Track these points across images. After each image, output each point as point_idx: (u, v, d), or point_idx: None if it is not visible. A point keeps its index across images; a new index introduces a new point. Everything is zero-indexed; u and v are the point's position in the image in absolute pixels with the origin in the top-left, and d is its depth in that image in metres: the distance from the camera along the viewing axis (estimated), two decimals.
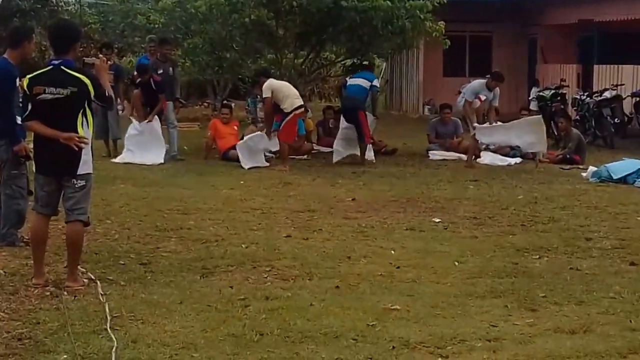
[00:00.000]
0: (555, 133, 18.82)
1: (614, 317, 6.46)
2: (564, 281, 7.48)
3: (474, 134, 15.47)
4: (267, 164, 15.02)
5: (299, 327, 6.09)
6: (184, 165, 15.04)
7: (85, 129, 7.01)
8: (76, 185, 7.01)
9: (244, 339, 5.87)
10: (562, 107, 20.75)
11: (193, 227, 9.56)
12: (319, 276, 7.58)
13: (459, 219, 10.35)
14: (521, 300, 6.88)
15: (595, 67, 23.43)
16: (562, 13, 25.25)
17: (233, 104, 19.14)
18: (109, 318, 6.18)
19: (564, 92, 22.09)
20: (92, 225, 8.16)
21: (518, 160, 16.35)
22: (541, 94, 22.54)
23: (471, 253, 8.53)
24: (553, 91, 21.98)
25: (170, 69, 16.22)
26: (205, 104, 29.05)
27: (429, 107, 27.46)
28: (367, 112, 16.10)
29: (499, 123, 15.88)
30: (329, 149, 16.84)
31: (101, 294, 6.81)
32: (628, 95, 20.56)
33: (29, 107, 6.99)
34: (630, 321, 6.33)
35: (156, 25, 19.52)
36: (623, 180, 13.36)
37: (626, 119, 20.46)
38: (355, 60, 19.26)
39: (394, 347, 5.74)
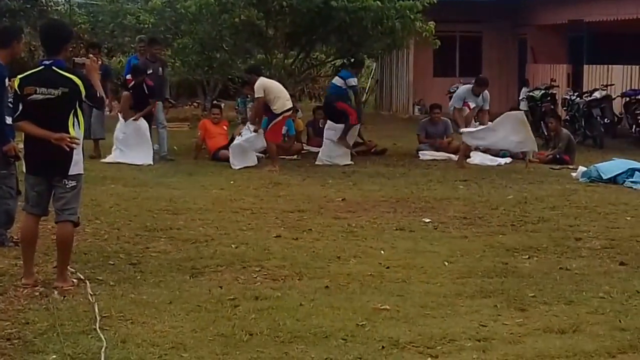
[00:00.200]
0: (545, 133, 18.85)
1: (603, 316, 6.47)
2: (553, 281, 7.49)
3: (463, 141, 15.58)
4: (257, 163, 15.00)
5: (289, 327, 6.09)
6: (173, 165, 15.01)
7: (77, 130, 7.00)
8: (67, 186, 7.00)
9: (234, 339, 5.86)
10: (552, 107, 20.76)
11: (183, 227, 9.55)
12: (309, 276, 7.58)
13: (449, 219, 10.36)
14: (511, 300, 6.89)
15: (585, 67, 23.48)
16: (552, 13, 25.30)
17: (223, 104, 19.14)
18: (98, 318, 6.17)
19: (554, 92, 22.13)
20: (82, 226, 8.14)
21: (508, 160, 16.37)
22: (531, 94, 22.58)
23: (461, 253, 8.54)
24: (543, 91, 22.03)
25: (160, 69, 16.19)
26: (195, 104, 29.02)
27: (419, 107, 27.47)
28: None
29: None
30: (319, 149, 16.83)
31: (90, 294, 6.80)
32: (618, 96, 20.58)
33: (20, 107, 6.98)
34: (620, 321, 6.35)
35: (146, 26, 19.50)
36: (613, 180, 13.39)
37: (616, 119, 20.48)
38: (345, 61, 19.23)
39: (383, 347, 5.74)
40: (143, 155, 14.94)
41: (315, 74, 23.93)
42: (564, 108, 21.43)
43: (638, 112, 19.44)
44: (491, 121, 15.96)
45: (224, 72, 20.07)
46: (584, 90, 21.67)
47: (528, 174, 14.59)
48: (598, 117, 19.51)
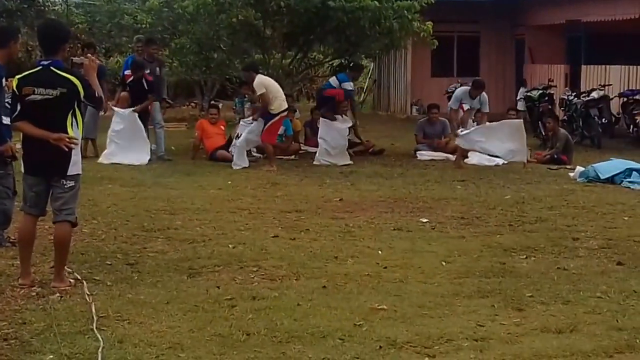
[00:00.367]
0: (543, 133, 18.87)
1: (601, 316, 6.48)
2: (550, 281, 7.50)
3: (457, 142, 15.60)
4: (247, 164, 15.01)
5: (286, 327, 6.09)
6: (171, 165, 15.00)
7: (75, 130, 7.00)
8: (65, 186, 7.00)
9: (231, 339, 5.86)
10: (549, 107, 20.80)
11: (180, 228, 9.55)
12: (306, 276, 7.57)
13: (447, 219, 10.36)
14: (508, 300, 6.89)
15: (583, 67, 23.48)
16: (549, 13, 25.30)
17: (220, 104, 19.17)
18: (95, 318, 6.17)
19: (552, 92, 22.14)
20: (79, 226, 8.13)
21: (506, 160, 16.37)
22: (529, 94, 22.60)
23: (458, 253, 8.54)
24: (541, 91, 22.03)
25: (157, 69, 16.19)
26: (193, 104, 29.00)
27: (416, 107, 27.46)
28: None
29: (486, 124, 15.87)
30: (316, 149, 16.83)
31: (87, 294, 6.79)
32: (615, 96, 20.60)
33: (18, 107, 6.97)
34: (617, 320, 6.36)
35: (143, 26, 19.44)
36: (610, 180, 13.40)
37: (613, 119, 20.51)
38: (342, 61, 19.24)
39: (380, 347, 5.74)
40: (139, 154, 14.89)
41: (313, 74, 23.95)
42: (562, 108, 21.44)
43: (635, 112, 19.45)
44: (489, 122, 16.01)
45: (222, 72, 20.06)
46: (582, 90, 21.68)
47: (526, 174, 14.60)
48: (596, 117, 19.53)
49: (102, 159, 14.93)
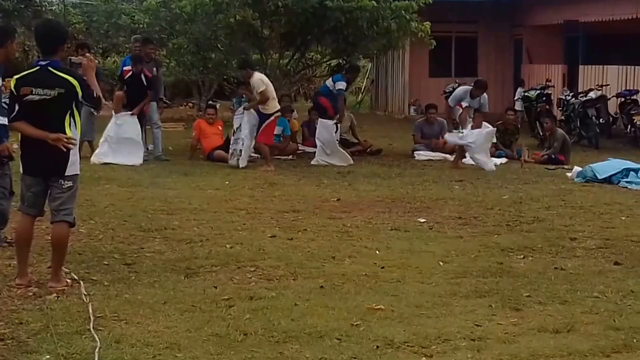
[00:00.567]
0: (541, 133, 18.88)
1: (598, 316, 6.48)
2: (548, 281, 7.50)
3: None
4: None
5: (283, 327, 6.08)
6: (168, 165, 14.98)
7: (73, 130, 6.99)
8: (63, 186, 6.99)
9: (228, 339, 5.86)
10: (547, 107, 20.80)
11: (177, 228, 9.54)
12: (304, 276, 7.57)
13: (444, 219, 10.36)
14: (505, 299, 6.89)
15: (581, 67, 23.49)
16: (547, 13, 25.31)
17: (218, 105, 19.12)
18: (92, 318, 6.15)
19: (549, 92, 22.15)
20: (76, 226, 8.11)
21: (503, 160, 16.41)
22: (526, 94, 22.62)
23: (456, 253, 8.54)
24: (538, 91, 22.05)
25: (155, 69, 16.14)
26: (190, 104, 28.98)
27: (414, 107, 27.46)
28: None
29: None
30: (314, 150, 16.83)
31: (84, 294, 6.78)
32: (613, 96, 20.62)
33: (16, 108, 6.96)
34: (614, 320, 6.36)
35: (141, 26, 19.50)
36: (608, 180, 13.41)
37: (611, 119, 20.53)
38: (340, 61, 19.25)
39: (378, 347, 5.73)
40: (133, 156, 14.82)
41: (310, 74, 23.99)
42: (559, 108, 21.46)
43: (633, 112, 19.47)
44: (487, 122, 16.01)
45: (219, 72, 20.09)
46: (580, 90, 21.69)
47: (523, 174, 14.61)
48: (593, 117, 19.55)
49: (94, 159, 14.81)
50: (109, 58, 30.08)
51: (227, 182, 13.09)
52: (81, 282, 7.13)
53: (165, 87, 21.30)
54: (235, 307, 6.56)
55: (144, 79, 15.28)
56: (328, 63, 20.38)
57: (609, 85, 21.14)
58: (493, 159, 16.17)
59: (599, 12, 22.63)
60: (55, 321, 6.12)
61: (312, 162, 15.69)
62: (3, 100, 7.81)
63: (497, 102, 23.97)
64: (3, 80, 8.02)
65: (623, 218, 10.59)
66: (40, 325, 6.05)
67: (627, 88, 20.87)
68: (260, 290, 7.07)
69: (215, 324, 6.14)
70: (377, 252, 8.58)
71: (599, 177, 13.50)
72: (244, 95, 16.82)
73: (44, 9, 28.91)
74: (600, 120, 19.72)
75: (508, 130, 17.63)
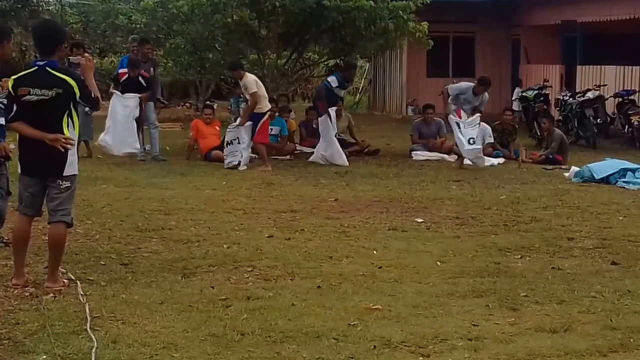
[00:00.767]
0: (538, 133, 18.89)
1: (595, 316, 6.48)
2: (545, 280, 7.50)
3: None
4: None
5: (281, 327, 6.08)
6: (165, 165, 14.97)
7: (71, 130, 6.99)
8: (61, 186, 6.98)
9: (225, 339, 5.85)
10: (545, 107, 20.81)
11: (175, 228, 9.53)
12: (301, 276, 7.56)
13: (442, 219, 10.36)
14: (503, 299, 6.89)
15: (578, 67, 23.49)
16: (545, 14, 25.31)
17: (215, 105, 19.13)
18: (89, 318, 6.15)
19: (547, 92, 22.15)
20: (73, 226, 8.10)
21: (501, 160, 16.41)
22: (524, 94, 22.62)
23: (453, 253, 8.54)
24: (536, 91, 22.05)
25: (152, 69, 16.11)
26: (188, 104, 28.98)
27: (412, 107, 27.46)
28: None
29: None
30: (311, 150, 16.83)
31: (81, 295, 6.77)
32: (611, 96, 20.62)
33: (14, 108, 6.96)
34: (611, 320, 6.36)
35: (138, 26, 19.46)
36: (605, 180, 13.41)
37: (609, 119, 20.53)
38: (338, 61, 19.23)
39: (375, 347, 5.73)
40: (128, 144, 14.77)
41: (308, 74, 23.98)
42: (557, 108, 21.45)
43: (630, 112, 19.48)
44: (484, 122, 16.04)
45: (217, 72, 20.08)
46: (577, 90, 21.69)
47: (521, 174, 14.61)
48: (591, 118, 19.55)
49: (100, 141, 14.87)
50: (106, 58, 30.06)
51: (224, 182, 13.09)
52: (78, 282, 7.12)
53: (163, 87, 21.27)
54: (233, 307, 6.56)
55: (142, 81, 15.24)
56: (326, 63, 20.35)
57: (606, 85, 21.14)
58: (490, 159, 16.19)
59: (597, 13, 22.64)
60: (52, 321, 6.11)
61: (311, 159, 15.69)
62: (0, 101, 7.79)
63: (494, 102, 23.93)
64: (0, 80, 8.00)
65: (620, 218, 10.59)
66: (37, 325, 6.04)
67: (625, 88, 20.88)
68: (257, 290, 7.07)
69: (212, 324, 6.14)
70: (375, 252, 8.58)
71: (597, 177, 13.50)
72: (241, 95, 16.81)
73: (40, 8, 28.85)
74: (598, 120, 19.73)
75: (506, 130, 17.63)
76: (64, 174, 6.98)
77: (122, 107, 15.05)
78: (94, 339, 5.71)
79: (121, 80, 15.35)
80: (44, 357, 5.47)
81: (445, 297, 6.96)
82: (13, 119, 7.00)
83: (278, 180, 13.46)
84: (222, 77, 21.60)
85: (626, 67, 21.56)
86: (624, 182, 13.20)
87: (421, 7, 17.67)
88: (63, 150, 6.88)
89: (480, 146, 15.42)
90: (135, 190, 12.04)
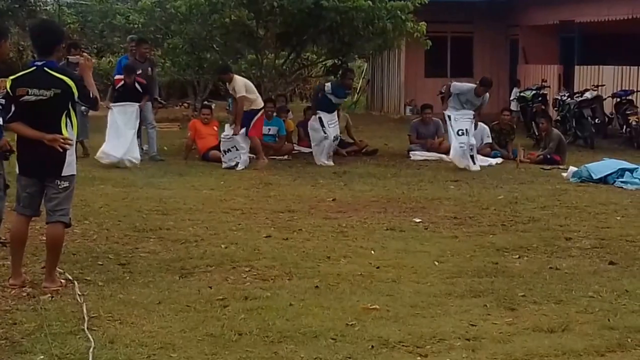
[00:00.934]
0: (536, 133, 18.89)
1: (593, 316, 6.48)
2: (543, 280, 7.50)
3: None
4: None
5: (278, 327, 6.08)
6: (163, 165, 14.96)
7: (69, 130, 6.99)
8: (60, 187, 6.98)
9: (223, 339, 5.85)
10: (543, 107, 20.80)
11: (172, 228, 9.52)
12: (299, 276, 7.56)
13: (440, 219, 10.36)
14: (500, 299, 6.89)
15: (576, 67, 23.49)
16: (543, 14, 25.31)
17: (213, 105, 19.11)
18: (86, 318, 6.15)
19: (545, 92, 22.15)
20: (71, 226, 8.10)
21: (499, 160, 16.40)
22: (522, 94, 22.61)
23: (451, 253, 8.54)
24: (534, 92, 22.04)
25: (149, 69, 16.11)
26: (186, 104, 28.97)
27: (410, 107, 27.45)
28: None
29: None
30: (309, 150, 16.83)
31: (79, 295, 6.77)
32: (609, 96, 20.62)
33: (13, 108, 6.95)
34: (609, 320, 6.36)
35: (135, 26, 19.43)
36: (603, 180, 13.41)
37: (607, 119, 20.54)
38: (335, 61, 19.22)
39: (373, 347, 5.73)
40: (129, 152, 14.68)
41: (306, 74, 23.89)
42: (555, 108, 21.45)
43: (628, 112, 19.49)
44: (482, 122, 16.05)
45: (215, 72, 20.03)
46: (575, 90, 21.69)
47: (519, 174, 14.60)
48: (589, 118, 19.55)
49: (100, 154, 14.72)
50: (103, 58, 30.03)
51: (222, 182, 13.09)
52: (75, 283, 7.12)
53: (160, 87, 21.24)
54: (230, 307, 6.56)
55: (138, 87, 15.22)
56: (324, 63, 20.30)
57: (604, 85, 21.13)
58: (488, 159, 16.19)
59: (595, 13, 22.64)
60: (50, 321, 6.11)
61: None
62: None
63: (492, 102, 23.77)
64: None
65: (618, 218, 10.59)
66: (34, 325, 6.04)
67: (623, 88, 20.87)
68: (255, 290, 7.06)
69: (210, 324, 6.13)
70: (373, 252, 8.58)
71: (595, 177, 13.50)
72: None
73: (38, 8, 28.82)
74: (596, 120, 19.72)
75: (504, 130, 17.63)
76: (62, 174, 6.98)
77: (121, 115, 14.94)
78: (92, 339, 5.71)
79: (117, 87, 15.28)
80: (42, 357, 5.47)
81: (443, 297, 6.96)
82: (11, 119, 7.00)
83: (276, 180, 13.46)
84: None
85: (624, 67, 21.56)
86: (622, 182, 13.21)
87: (419, 7, 17.65)
88: (61, 150, 6.88)
89: (467, 139, 15.25)
90: (133, 190, 12.03)
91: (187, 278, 7.46)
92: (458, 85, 15.94)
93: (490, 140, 17.18)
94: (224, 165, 14.80)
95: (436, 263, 8.12)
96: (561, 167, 15.48)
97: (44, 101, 6.87)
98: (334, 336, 5.91)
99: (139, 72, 15.58)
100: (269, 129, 16.69)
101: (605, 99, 20.39)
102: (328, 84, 16.47)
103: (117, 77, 15.73)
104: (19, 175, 7.11)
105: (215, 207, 10.87)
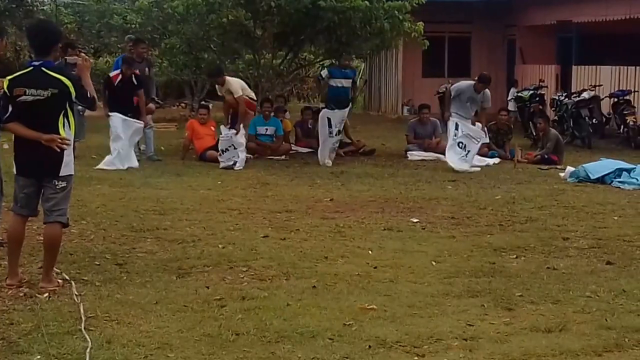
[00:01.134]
0: (534, 133, 18.89)
1: (590, 315, 6.48)
2: (540, 280, 7.50)
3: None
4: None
5: (276, 327, 6.07)
6: (160, 165, 14.94)
7: (67, 130, 6.98)
8: (57, 187, 6.97)
9: (220, 339, 5.84)
10: (540, 107, 20.82)
11: (169, 228, 9.51)
12: (296, 276, 7.56)
13: (437, 219, 10.36)
14: (498, 299, 6.89)
15: (574, 67, 23.50)
16: (541, 14, 25.32)
17: (211, 105, 19.11)
18: (83, 319, 6.14)
19: (543, 92, 22.16)
20: (68, 226, 8.09)
21: (496, 160, 16.41)
22: (520, 94, 22.63)
23: (448, 253, 8.54)
24: (532, 92, 22.06)
25: (146, 69, 16.08)
26: (183, 104, 28.94)
27: (407, 107, 27.47)
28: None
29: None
30: (307, 150, 16.83)
31: (76, 295, 6.76)
32: (606, 96, 20.64)
33: (10, 109, 6.95)
34: (606, 320, 6.36)
35: (133, 26, 19.45)
36: (600, 180, 13.42)
37: (604, 119, 20.55)
38: (333, 61, 19.21)
39: (370, 347, 5.73)
40: (129, 159, 14.63)
41: (303, 74, 23.94)
42: (553, 108, 21.46)
43: (626, 112, 19.50)
44: (492, 122, 16.15)
45: (207, 74, 20.03)
46: (573, 90, 21.70)
47: (516, 174, 14.61)
48: (586, 118, 19.57)
49: (102, 165, 14.59)
50: (101, 58, 30.03)
51: (219, 182, 13.08)
52: (72, 283, 7.11)
53: (158, 87, 21.22)
54: (227, 307, 6.55)
55: (134, 80, 15.16)
56: (321, 63, 20.30)
57: (602, 85, 21.16)
58: (486, 159, 16.20)
59: (592, 13, 22.65)
60: (47, 321, 6.10)
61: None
62: None
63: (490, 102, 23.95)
64: None
65: (615, 218, 10.59)
66: (32, 325, 6.03)
67: (620, 88, 20.89)
68: (252, 290, 7.06)
69: (207, 324, 6.13)
70: (370, 252, 8.57)
71: (592, 177, 13.51)
72: None
73: (35, 8, 28.84)
74: (593, 120, 19.74)
75: (501, 130, 17.64)
76: (60, 175, 6.97)
77: (127, 133, 14.76)
78: (89, 339, 5.70)
79: (115, 83, 15.16)
80: (38, 357, 5.46)
81: (440, 297, 6.96)
82: (8, 119, 6.99)
83: (273, 180, 13.46)
84: None
85: (622, 67, 21.58)
86: (619, 182, 13.21)
87: (417, 7, 17.65)
88: (59, 150, 6.88)
89: (464, 152, 15.22)
90: (130, 191, 12.02)
91: (185, 278, 7.45)
92: (456, 85, 15.95)
93: (487, 141, 17.17)
94: (221, 165, 14.80)
95: (433, 263, 8.12)
96: (559, 167, 15.49)
97: (41, 101, 6.86)
98: (332, 336, 5.90)
99: (136, 71, 15.52)
100: (267, 129, 16.71)
101: (602, 99, 20.41)
102: (324, 70, 16.54)
103: (113, 73, 15.50)
104: (17, 176, 7.11)
105: (212, 207, 10.86)
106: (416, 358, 5.59)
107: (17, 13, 27.45)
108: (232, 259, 8.12)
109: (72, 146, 7.12)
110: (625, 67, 21.41)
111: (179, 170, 14.33)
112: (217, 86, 16.36)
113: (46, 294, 6.80)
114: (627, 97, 20.15)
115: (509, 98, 23.91)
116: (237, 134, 15.09)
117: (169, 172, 14.10)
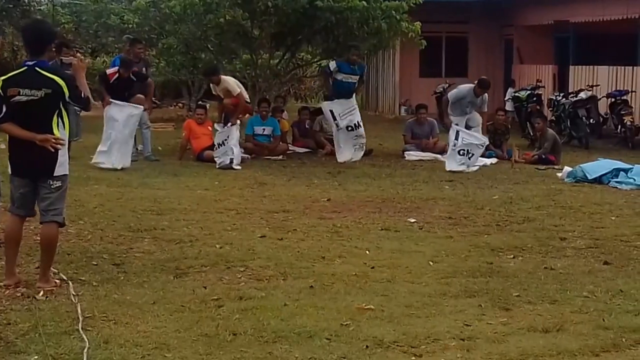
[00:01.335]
0: (531, 133, 18.89)
1: (587, 315, 6.49)
2: (538, 280, 7.50)
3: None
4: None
5: (273, 327, 6.07)
6: (158, 165, 14.93)
7: (61, 130, 6.98)
8: (52, 186, 6.97)
9: (218, 339, 5.85)
10: (537, 107, 20.82)
11: (167, 228, 9.51)
12: (293, 276, 7.56)
13: (434, 219, 10.36)
14: (495, 299, 6.89)
15: (571, 67, 23.51)
16: (538, 14, 25.33)
17: (208, 105, 19.07)
18: (81, 319, 6.14)
19: (540, 92, 22.17)
20: (65, 226, 8.08)
21: (494, 160, 16.40)
22: (517, 94, 22.62)
23: (446, 253, 8.54)
24: (529, 92, 22.06)
25: (144, 69, 16.05)
26: (180, 104, 28.94)
27: (405, 107, 27.47)
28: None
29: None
30: (304, 150, 16.82)
31: (73, 295, 6.77)
32: (603, 96, 20.64)
33: (4, 109, 6.93)
34: (603, 320, 6.36)
35: (130, 26, 19.41)
36: (598, 180, 13.42)
37: (601, 119, 20.56)
38: (330, 61, 19.21)
39: (367, 347, 5.73)
40: (126, 157, 14.62)
41: (301, 74, 23.89)
42: (550, 108, 21.47)
43: (623, 112, 19.51)
44: (489, 122, 16.12)
45: (203, 73, 20.00)
46: (570, 90, 21.71)
47: (514, 174, 14.61)
48: (584, 118, 19.58)
49: (96, 159, 14.60)
50: (98, 58, 30.00)
51: (216, 183, 13.07)
52: (70, 283, 7.11)
53: (155, 87, 21.22)
54: (225, 307, 6.55)
55: (133, 76, 15.09)
56: (318, 63, 20.29)
57: (599, 85, 21.17)
58: (483, 159, 16.18)
59: (590, 13, 22.66)
60: (44, 321, 6.10)
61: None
62: None
63: (488, 102, 23.95)
64: None
65: (613, 218, 10.60)
66: (29, 325, 6.03)
67: (618, 88, 20.90)
68: (249, 291, 7.06)
69: (204, 324, 6.13)
70: (367, 252, 8.57)
71: (589, 177, 13.51)
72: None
73: (32, 8, 28.78)
74: (591, 120, 19.76)
75: (498, 130, 17.62)
76: (54, 174, 6.97)
77: (122, 116, 14.75)
78: (86, 339, 5.70)
79: (111, 81, 15.11)
80: (36, 357, 5.46)
81: (437, 297, 6.96)
82: (3, 119, 6.97)
83: (270, 180, 13.45)
84: None
85: (619, 67, 21.59)
86: (617, 182, 13.22)
87: (414, 7, 17.65)
88: (53, 150, 6.87)
89: (468, 159, 15.23)
90: (127, 191, 12.02)
91: (182, 278, 7.45)
92: (453, 92, 15.99)
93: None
94: (218, 165, 14.80)
95: (431, 263, 8.12)
96: (556, 167, 15.50)
97: (35, 101, 6.85)
98: (329, 336, 5.90)
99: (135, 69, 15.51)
100: (264, 129, 16.70)
101: (599, 99, 20.42)
102: (333, 62, 16.47)
103: (110, 71, 15.36)
104: (12, 176, 7.10)
105: (209, 207, 10.86)
106: (413, 358, 5.59)
107: (14, 13, 27.41)
108: (230, 259, 8.12)
109: (66, 146, 7.12)
110: (623, 67, 21.42)
111: (176, 170, 14.32)
112: (212, 85, 16.39)
113: (43, 294, 6.79)
114: (625, 97, 20.16)
115: (506, 98, 23.93)
116: (232, 125, 15.14)
117: (167, 172, 14.09)
